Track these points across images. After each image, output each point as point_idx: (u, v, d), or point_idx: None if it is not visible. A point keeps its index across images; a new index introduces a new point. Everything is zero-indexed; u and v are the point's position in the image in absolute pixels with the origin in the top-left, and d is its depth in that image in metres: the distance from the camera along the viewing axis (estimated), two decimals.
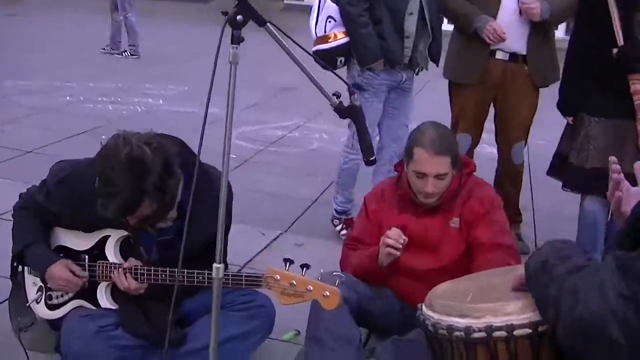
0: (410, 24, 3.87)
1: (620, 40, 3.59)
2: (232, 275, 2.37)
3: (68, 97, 7.94)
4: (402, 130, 4.19)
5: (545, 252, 1.59)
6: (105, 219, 2.38)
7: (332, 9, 3.91)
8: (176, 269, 2.40)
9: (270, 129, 7.14)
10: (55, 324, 2.68)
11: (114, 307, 2.59)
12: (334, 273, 2.30)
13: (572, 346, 1.41)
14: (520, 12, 4.03)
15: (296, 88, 9.19)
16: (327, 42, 3.85)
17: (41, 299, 2.68)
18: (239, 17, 1.85)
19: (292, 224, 4.61)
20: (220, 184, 2.51)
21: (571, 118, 3.99)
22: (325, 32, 3.87)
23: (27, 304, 2.69)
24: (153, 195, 2.30)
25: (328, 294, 2.18)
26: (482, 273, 2.08)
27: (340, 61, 3.91)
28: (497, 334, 1.60)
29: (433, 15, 3.96)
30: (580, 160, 3.83)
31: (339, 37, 3.85)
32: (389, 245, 2.75)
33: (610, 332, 1.34)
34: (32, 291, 2.72)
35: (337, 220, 4.46)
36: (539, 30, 4.10)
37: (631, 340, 1.34)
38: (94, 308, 2.60)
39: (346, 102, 2.37)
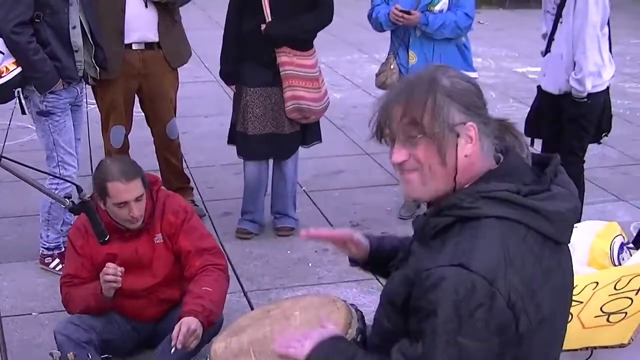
0: (77, 38, 3.97)
1: (268, 17, 4.08)
2: None
3: None
4: (78, 144, 4.27)
5: (330, 356, 1.84)
6: None
7: None
8: None
9: None
10: None
11: None
12: None
13: None
14: (146, 4, 4.34)
15: None
16: (0, 77, 3.80)
17: None
18: None
19: None
20: None
21: (233, 86, 4.43)
22: None
23: None
24: None
25: None
26: (242, 323, 2.35)
27: (17, 92, 3.87)
28: None
29: (92, 24, 4.06)
30: (243, 128, 4.33)
31: (11, 69, 3.81)
32: (109, 281, 3.02)
33: None
34: None
35: (50, 258, 4.23)
36: (166, 16, 4.48)
37: None
38: None
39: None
